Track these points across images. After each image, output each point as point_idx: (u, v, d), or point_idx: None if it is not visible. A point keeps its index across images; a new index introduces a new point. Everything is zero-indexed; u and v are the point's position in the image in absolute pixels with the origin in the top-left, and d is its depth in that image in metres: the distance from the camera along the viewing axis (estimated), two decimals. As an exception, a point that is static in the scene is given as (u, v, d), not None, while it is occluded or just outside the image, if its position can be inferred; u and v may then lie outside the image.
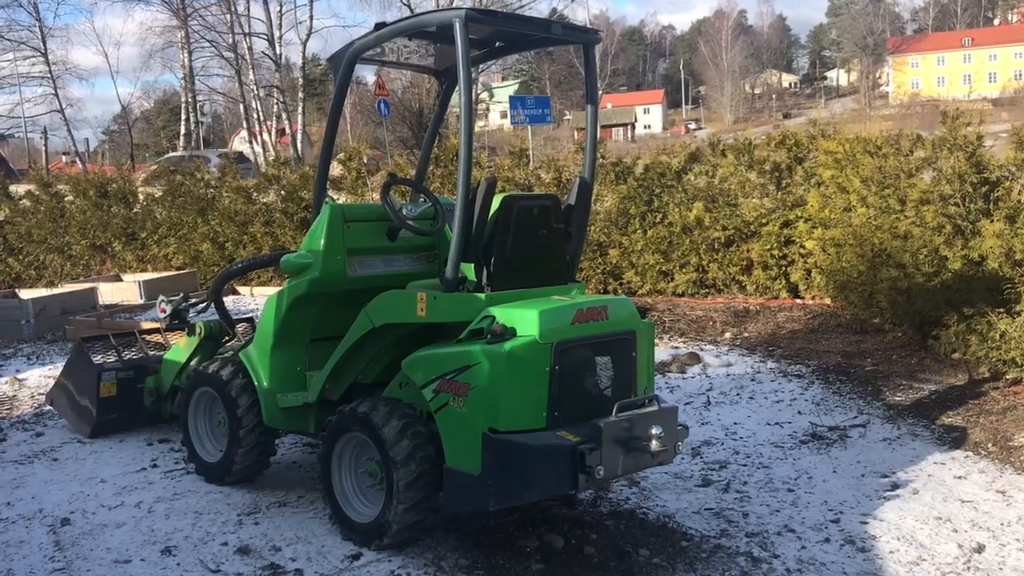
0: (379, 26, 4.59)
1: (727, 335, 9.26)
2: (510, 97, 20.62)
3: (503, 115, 71.35)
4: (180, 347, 6.17)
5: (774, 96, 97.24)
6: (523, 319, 4.06)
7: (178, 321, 6.13)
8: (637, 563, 4.25)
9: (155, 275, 13.07)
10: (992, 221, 7.19)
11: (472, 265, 4.37)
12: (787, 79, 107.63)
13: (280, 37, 40.90)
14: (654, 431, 4.02)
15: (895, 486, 5.19)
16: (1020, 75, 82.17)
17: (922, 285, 7.63)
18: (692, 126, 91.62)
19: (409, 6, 38.82)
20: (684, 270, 10.89)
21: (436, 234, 5.13)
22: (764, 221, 10.43)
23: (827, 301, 10.09)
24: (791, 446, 5.98)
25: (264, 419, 5.11)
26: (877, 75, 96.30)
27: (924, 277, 7.63)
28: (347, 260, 4.90)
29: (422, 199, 5.43)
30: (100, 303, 11.65)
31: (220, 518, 4.86)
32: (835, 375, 7.62)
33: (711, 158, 11.09)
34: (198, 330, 5.96)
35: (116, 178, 15.77)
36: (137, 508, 5.05)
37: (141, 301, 11.81)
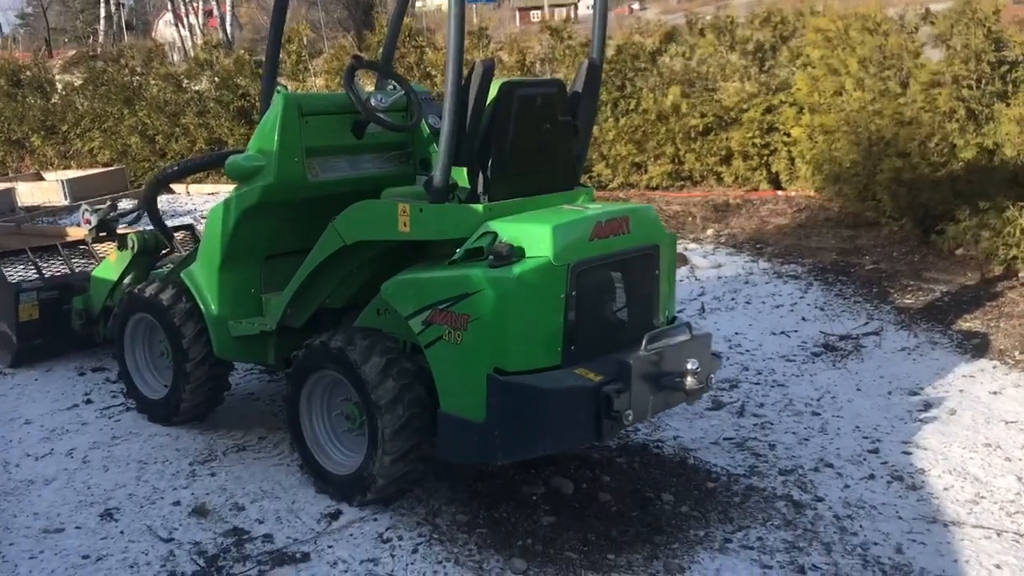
0: None
1: (709, 232, 8.63)
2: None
3: (442, -6, 68.61)
4: (110, 262, 5.33)
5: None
6: (533, 236, 3.33)
7: (106, 233, 5.26)
8: (663, 512, 3.67)
9: (80, 172, 11.95)
10: (1010, 105, 6.57)
11: (464, 169, 3.59)
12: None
13: (204, -90, 38.02)
14: (690, 365, 3.37)
15: (928, 405, 4.68)
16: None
17: (928, 176, 7.05)
18: (636, 6, 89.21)
19: None
20: (659, 161, 10.18)
21: (412, 129, 4.33)
22: (745, 107, 9.70)
23: (811, 192, 9.51)
24: (803, 359, 5.43)
25: (214, 350, 4.36)
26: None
27: (931, 167, 7.03)
28: (306, 162, 4.08)
29: (392, 86, 4.59)
30: (19, 205, 10.56)
31: (169, 469, 4.15)
32: (834, 275, 7.07)
33: (688, 38, 10.25)
34: (130, 243, 5.12)
35: (30, 65, 14.33)
36: (69, 457, 4.31)
37: (66, 202, 10.77)
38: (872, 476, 3.96)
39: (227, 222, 4.16)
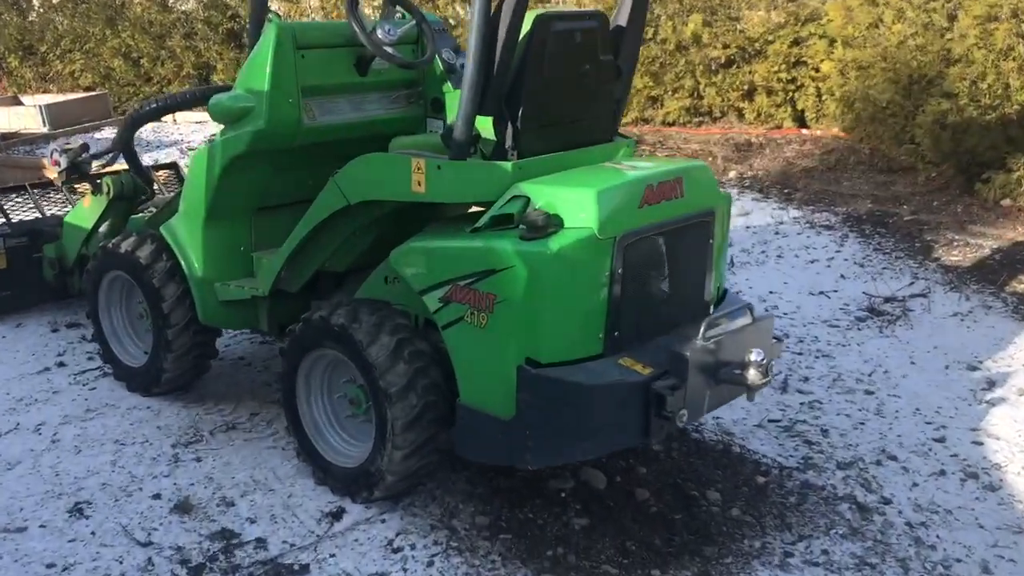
0: None
1: (732, 174, 8.08)
2: None
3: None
4: (84, 207, 4.79)
5: None
6: (573, 202, 2.81)
7: (77, 175, 4.69)
8: (711, 516, 3.23)
9: (60, 97, 11.23)
10: (1075, 44, 6.00)
11: (489, 119, 3.04)
12: None
13: None
14: (754, 356, 2.88)
15: (991, 384, 4.23)
16: None
17: (977, 119, 6.49)
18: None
19: None
20: (677, 95, 9.56)
21: (425, 65, 3.75)
22: (771, 38, 9.05)
23: (839, 132, 8.92)
24: (848, 325, 4.96)
25: (199, 315, 3.86)
26: None
27: (980, 110, 6.47)
28: (302, 103, 3.52)
29: (400, 14, 4.00)
30: (-5, 132, 9.91)
31: (149, 452, 3.68)
32: (871, 226, 6.56)
33: (711, -40, 9.50)
34: (105, 187, 4.58)
35: (4, -21, 13.47)
36: (37, 435, 3.83)
37: (45, 130, 10.09)
38: (942, 472, 3.51)
39: (212, 170, 3.63)
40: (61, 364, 4.54)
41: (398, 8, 3.95)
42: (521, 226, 2.81)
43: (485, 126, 3.09)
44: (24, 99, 11.44)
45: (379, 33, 3.56)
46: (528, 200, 2.87)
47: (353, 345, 3.12)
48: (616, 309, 2.86)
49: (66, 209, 5.30)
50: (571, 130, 3.21)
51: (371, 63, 3.73)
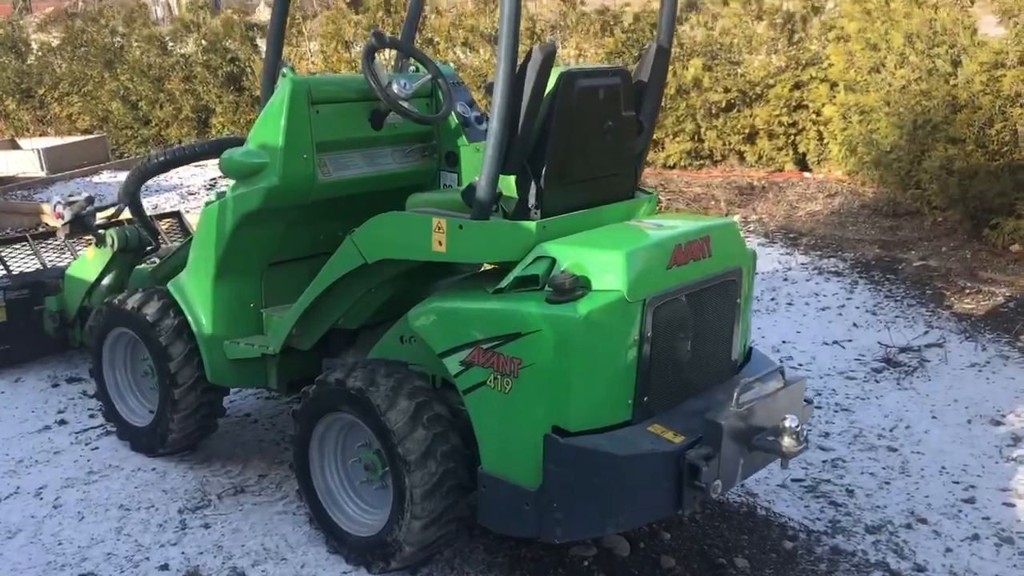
0: None
1: (736, 218, 8.03)
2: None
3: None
4: (87, 259, 4.70)
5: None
6: (601, 264, 2.73)
7: (81, 228, 4.60)
8: (740, 585, 3.12)
9: (58, 141, 11.18)
10: (1082, 91, 5.99)
11: (513, 177, 2.97)
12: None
13: None
14: (788, 423, 2.79)
15: (1017, 440, 4.14)
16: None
17: (985, 165, 6.46)
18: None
19: None
20: (678, 138, 9.55)
21: (441, 120, 3.69)
22: (772, 82, 9.07)
23: (840, 175, 8.91)
24: (864, 376, 4.87)
25: (207, 375, 3.75)
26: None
27: (988, 155, 6.44)
28: (317, 159, 3.45)
29: (413, 66, 3.95)
30: (-8, 176, 9.84)
31: (155, 517, 3.55)
32: (880, 272, 6.50)
33: (711, 6, 9.56)
34: (109, 240, 4.50)
35: (3, 23, 13.48)
36: (39, 500, 3.70)
37: (43, 174, 10.04)
38: (976, 536, 3.41)
39: (223, 227, 3.54)
40: (62, 422, 4.42)
41: (412, 61, 3.91)
42: (547, 288, 2.73)
43: (507, 184, 3.03)
44: (22, 142, 11.39)
45: (395, 87, 3.51)
46: (554, 261, 2.80)
47: (370, 409, 3.01)
48: (645, 374, 2.77)
49: (68, 260, 5.21)
50: (594, 187, 3.15)
51: (386, 117, 3.67)
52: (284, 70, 3.42)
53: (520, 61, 2.82)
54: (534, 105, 2.85)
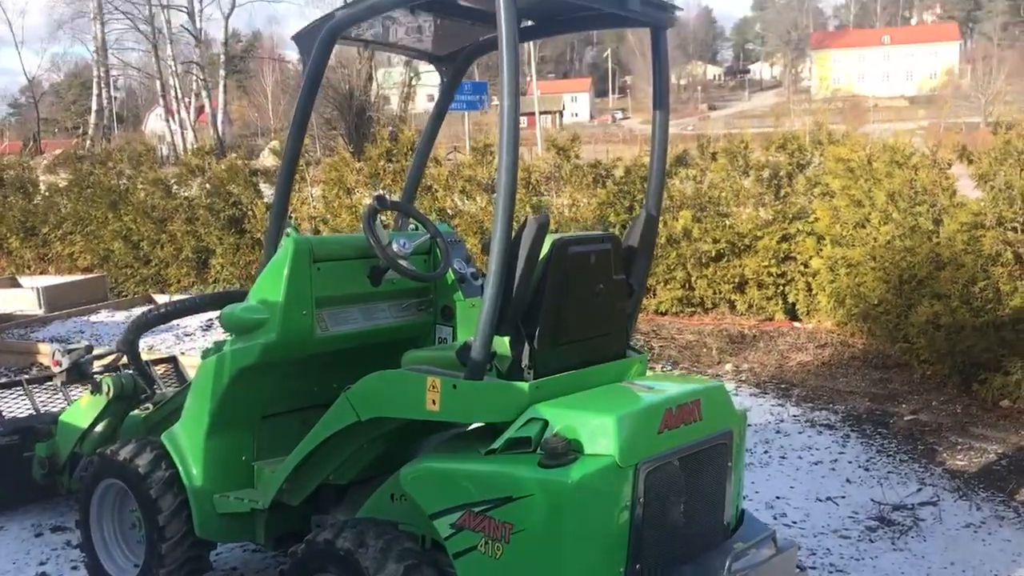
0: (372, -9, 3.22)
1: (728, 367, 8.10)
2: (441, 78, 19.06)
3: (430, 98, 69.36)
4: (81, 406, 4.70)
5: (700, 88, 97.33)
6: (593, 428, 2.77)
7: (78, 376, 4.64)
8: None
9: (58, 279, 11.35)
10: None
11: (507, 337, 3.05)
12: (712, 71, 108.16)
13: (201, 11, 38.63)
14: (781, 592, 2.77)
15: (1015, 605, 4.07)
16: (936, 74, 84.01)
17: (970, 321, 6.58)
18: (619, 115, 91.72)
19: (341, -18, 36.93)
20: (669, 286, 9.73)
21: (438, 278, 3.80)
22: (760, 234, 9.32)
23: (829, 326, 9.04)
24: (859, 535, 4.82)
25: (196, 528, 3.71)
26: (799, 69, 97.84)
27: (973, 312, 6.57)
28: (315, 314, 3.54)
29: (412, 225, 4.10)
30: (-11, 314, 9.92)
31: None
32: (871, 425, 6.52)
33: (700, 161, 9.92)
34: (105, 387, 4.51)
35: (14, 164, 13.88)
36: (13, 660, 3.60)
37: (41, 312, 10.13)
38: None
39: (219, 381, 3.59)
40: (43, 575, 4.32)
41: (411, 220, 4.05)
42: (539, 451, 2.75)
43: (501, 343, 3.10)
44: (22, 280, 11.56)
45: (394, 247, 3.64)
46: (546, 423, 2.83)
47: (359, 572, 2.98)
48: (638, 540, 2.77)
49: (61, 404, 5.21)
50: (586, 347, 3.22)
51: (385, 274, 3.77)
52: (288, 230, 3.55)
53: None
54: (528, 270, 2.96)
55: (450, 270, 3.90)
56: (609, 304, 3.26)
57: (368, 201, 3.81)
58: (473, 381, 2.97)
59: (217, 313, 3.69)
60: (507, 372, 3.06)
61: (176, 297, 10.77)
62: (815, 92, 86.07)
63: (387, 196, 3.72)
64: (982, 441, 6.13)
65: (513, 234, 2.92)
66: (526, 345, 3.03)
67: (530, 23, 3.64)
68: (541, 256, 3.02)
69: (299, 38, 3.52)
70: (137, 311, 10.73)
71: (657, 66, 3.47)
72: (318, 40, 3.39)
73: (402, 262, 3.63)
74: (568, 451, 2.72)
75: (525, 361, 3.03)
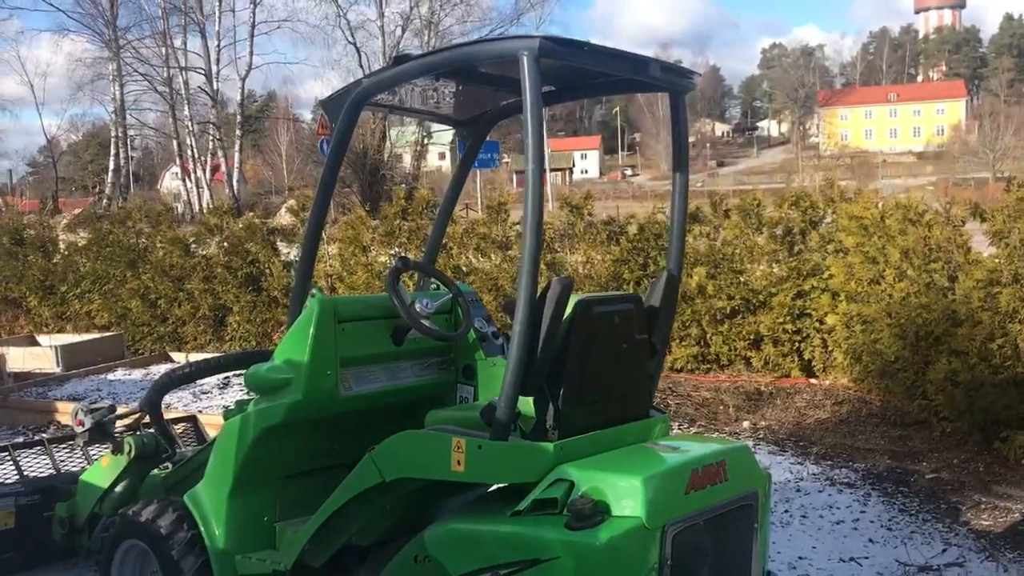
0: (400, 59, 3.31)
1: (745, 424, 8.06)
2: (459, 140, 19.39)
3: (441, 156, 70.11)
4: (102, 466, 4.72)
5: (708, 144, 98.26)
6: (619, 490, 2.77)
7: (101, 436, 4.67)
8: None
9: (75, 337, 11.44)
10: (1079, 308, 6.18)
11: (531, 398, 3.07)
12: (720, 128, 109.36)
13: (218, 73, 39.35)
14: (810, 656, 2.74)
15: (1047, 670, 4.00)
16: (942, 130, 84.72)
17: (989, 378, 6.55)
18: (629, 172, 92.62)
19: (355, 45, 37.71)
20: (684, 343, 9.72)
21: (460, 338, 3.83)
22: (774, 291, 9.34)
23: (846, 382, 9.00)
24: (885, 597, 4.76)
25: (216, 590, 3.70)
26: (807, 126, 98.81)
27: (992, 369, 6.55)
28: (339, 374, 3.57)
29: (434, 285, 4.14)
30: (8, 372, 9.98)
31: None
32: (892, 484, 6.46)
33: (713, 218, 9.99)
34: (127, 448, 4.54)
35: (34, 223, 14.08)
36: None
37: (57, 370, 10.20)
38: None
39: (243, 442, 3.61)
40: (62, 639, 4.30)
41: (433, 281, 4.10)
42: (566, 513, 2.76)
43: (525, 403, 3.12)
44: (40, 338, 11.65)
45: (417, 307, 3.68)
46: (572, 484, 2.84)
47: (385, 635, 2.97)
48: (665, 603, 2.75)
49: (81, 463, 5.23)
50: (610, 407, 3.23)
51: (407, 333, 3.81)
52: (313, 291, 3.60)
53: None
54: (552, 330, 2.99)
55: (471, 329, 3.93)
56: (632, 364, 3.28)
57: (384, 259, 3.87)
58: (498, 442, 2.98)
59: (236, 372, 3.72)
60: (531, 432, 3.08)
61: (193, 356, 10.86)
62: (823, 148, 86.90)
63: (409, 258, 3.78)
64: (1006, 500, 6.06)
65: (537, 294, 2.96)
66: (550, 405, 3.05)
67: (552, 88, 3.73)
68: (565, 316, 3.05)
69: (327, 103, 3.61)
70: (154, 368, 10.80)
71: (676, 129, 3.54)
72: (346, 106, 3.48)
73: (425, 322, 3.67)
74: (595, 513, 2.72)
75: (549, 421, 3.05)
